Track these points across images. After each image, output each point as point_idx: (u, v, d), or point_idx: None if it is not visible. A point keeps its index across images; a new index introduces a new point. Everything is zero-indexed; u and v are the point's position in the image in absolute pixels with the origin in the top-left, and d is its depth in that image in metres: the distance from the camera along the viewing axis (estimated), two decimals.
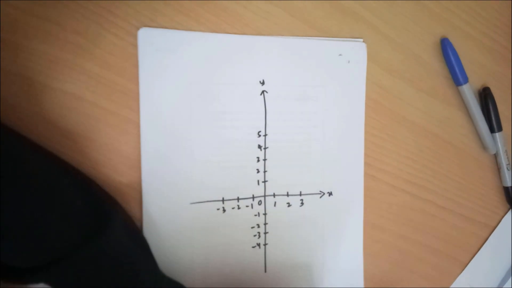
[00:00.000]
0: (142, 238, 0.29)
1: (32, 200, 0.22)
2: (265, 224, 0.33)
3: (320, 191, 0.34)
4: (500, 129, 0.38)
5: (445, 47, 0.36)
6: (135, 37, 0.28)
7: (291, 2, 0.31)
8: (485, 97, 0.38)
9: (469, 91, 0.37)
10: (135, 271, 0.26)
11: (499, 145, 0.39)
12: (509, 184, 0.40)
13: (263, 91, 0.31)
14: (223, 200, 0.32)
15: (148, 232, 0.30)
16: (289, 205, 0.33)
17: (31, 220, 0.22)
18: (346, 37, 0.33)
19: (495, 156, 0.40)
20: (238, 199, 0.32)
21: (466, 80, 0.36)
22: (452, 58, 0.36)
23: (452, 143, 0.38)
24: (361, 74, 0.34)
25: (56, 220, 0.23)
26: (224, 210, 0.32)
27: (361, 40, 0.34)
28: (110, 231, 0.25)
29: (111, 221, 0.25)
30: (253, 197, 0.32)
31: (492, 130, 0.38)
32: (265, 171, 0.32)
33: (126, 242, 0.26)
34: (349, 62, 0.33)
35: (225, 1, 0.30)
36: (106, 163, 0.29)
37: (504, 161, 0.39)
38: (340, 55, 0.33)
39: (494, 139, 0.39)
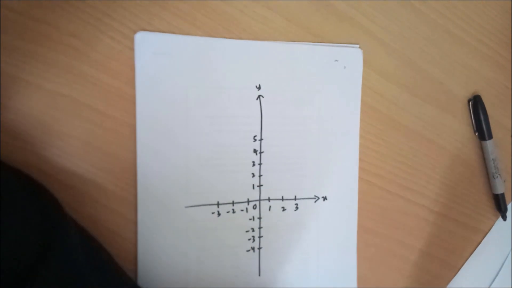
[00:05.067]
0: (100, 258, 0.26)
1: None
2: (259, 228, 0.33)
3: (315, 196, 0.34)
4: (490, 136, 0.39)
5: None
6: (132, 40, 0.28)
7: (288, 8, 0.32)
8: (475, 105, 0.38)
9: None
10: None
11: (489, 153, 0.39)
12: (496, 192, 0.40)
13: (259, 96, 0.32)
14: (218, 204, 0.32)
15: (143, 235, 0.30)
16: (283, 209, 0.33)
17: None
18: (342, 43, 0.33)
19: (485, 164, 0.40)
20: (233, 203, 0.32)
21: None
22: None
23: (447, 148, 0.39)
24: (357, 79, 0.34)
25: None
26: (219, 214, 0.32)
27: (357, 45, 0.34)
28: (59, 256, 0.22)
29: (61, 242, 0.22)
30: (248, 201, 0.32)
31: (482, 138, 0.39)
32: (260, 176, 0.32)
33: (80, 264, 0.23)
34: (345, 67, 0.33)
35: (222, 6, 0.30)
36: (102, 166, 0.29)
37: (491, 170, 0.39)
38: (336, 60, 0.33)
39: (483, 147, 0.39)
